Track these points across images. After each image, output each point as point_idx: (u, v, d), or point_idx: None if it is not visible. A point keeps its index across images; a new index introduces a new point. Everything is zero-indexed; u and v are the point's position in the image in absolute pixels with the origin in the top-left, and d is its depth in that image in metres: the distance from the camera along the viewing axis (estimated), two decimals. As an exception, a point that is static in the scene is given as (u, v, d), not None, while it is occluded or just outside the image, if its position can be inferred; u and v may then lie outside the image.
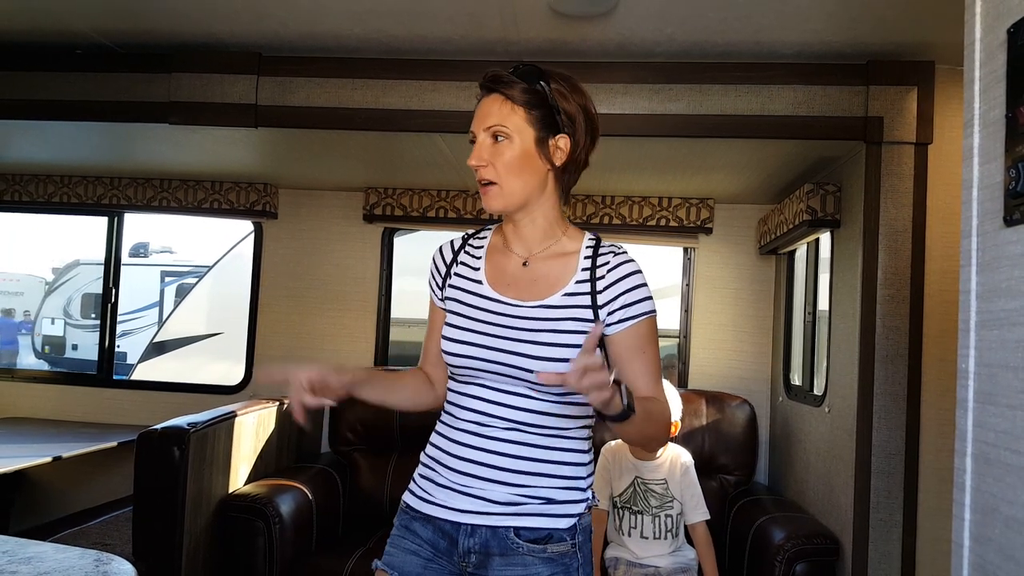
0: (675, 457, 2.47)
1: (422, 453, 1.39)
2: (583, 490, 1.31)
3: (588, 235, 1.38)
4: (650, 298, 1.32)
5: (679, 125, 2.35)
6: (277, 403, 3.02)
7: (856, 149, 2.35)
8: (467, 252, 1.42)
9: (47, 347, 10.72)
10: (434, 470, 1.34)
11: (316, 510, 2.75)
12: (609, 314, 1.29)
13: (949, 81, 2.24)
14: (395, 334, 3.69)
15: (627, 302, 1.29)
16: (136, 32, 2.40)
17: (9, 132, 2.96)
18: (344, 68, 2.44)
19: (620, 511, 2.44)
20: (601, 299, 1.29)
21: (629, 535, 2.43)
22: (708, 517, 2.46)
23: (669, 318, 3.33)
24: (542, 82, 1.29)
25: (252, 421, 2.79)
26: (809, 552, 2.29)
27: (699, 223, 3.25)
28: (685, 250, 3.39)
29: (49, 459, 2.81)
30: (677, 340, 3.42)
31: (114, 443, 3.14)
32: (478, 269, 1.38)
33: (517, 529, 1.27)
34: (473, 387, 1.31)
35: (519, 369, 1.25)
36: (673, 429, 2.49)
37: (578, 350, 1.24)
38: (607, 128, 2.31)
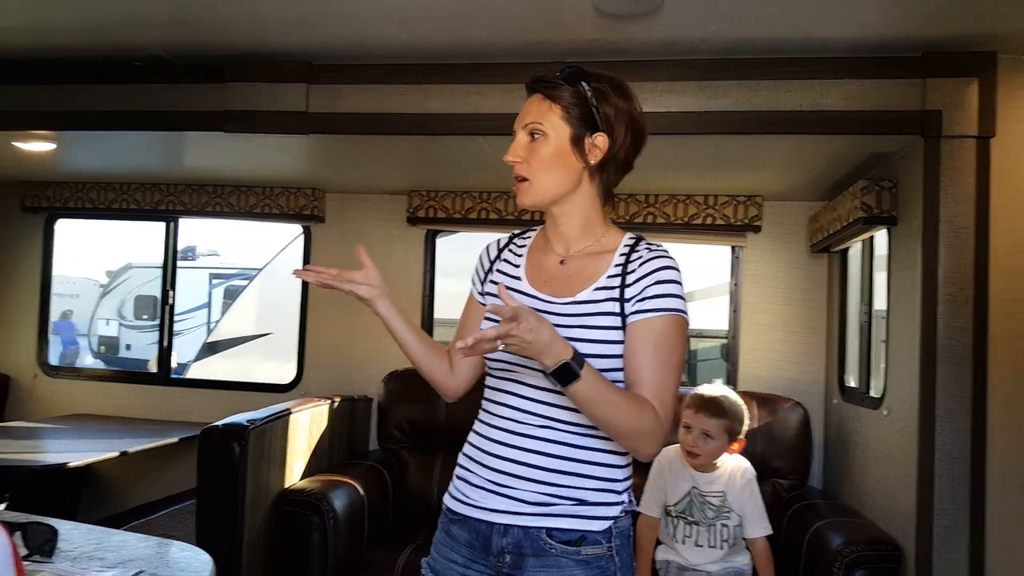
0: (735, 469, 2.39)
1: (460, 454, 1.40)
2: (618, 492, 1.29)
3: (629, 235, 1.37)
4: (678, 297, 1.27)
5: (726, 122, 2.33)
6: (329, 401, 3.09)
7: (913, 144, 2.29)
8: (511, 251, 1.45)
9: (103, 347, 11.10)
10: (469, 470, 1.35)
11: (367, 506, 2.81)
12: (632, 305, 1.26)
13: (1013, 71, 2.17)
14: (438, 334, 3.74)
15: (649, 294, 1.26)
16: (192, 44, 2.48)
17: (74, 142, 3.08)
18: (390, 74, 2.48)
19: (675, 520, 2.39)
20: (628, 292, 1.27)
21: (683, 543, 2.38)
22: (769, 532, 2.36)
23: (717, 318, 3.31)
24: (582, 82, 1.30)
25: (306, 418, 2.86)
26: (869, 559, 2.24)
27: (747, 221, 3.21)
28: (733, 249, 3.36)
29: (116, 454, 2.93)
30: (725, 340, 3.39)
31: (175, 439, 3.26)
32: (518, 267, 1.40)
33: (549, 530, 1.25)
34: (509, 383, 1.31)
35: None
36: (738, 446, 2.40)
37: (609, 346, 1.25)
38: (651, 127, 2.34)
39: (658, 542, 2.46)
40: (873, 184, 2.48)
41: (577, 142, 1.30)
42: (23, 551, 1.10)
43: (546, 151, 1.29)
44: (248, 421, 2.46)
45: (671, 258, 1.31)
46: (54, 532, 1.16)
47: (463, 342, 1.10)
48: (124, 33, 2.40)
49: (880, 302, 2.69)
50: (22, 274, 4.04)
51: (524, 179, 1.31)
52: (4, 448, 3.06)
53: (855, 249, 2.97)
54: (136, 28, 2.36)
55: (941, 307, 2.16)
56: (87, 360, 10.68)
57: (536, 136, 1.30)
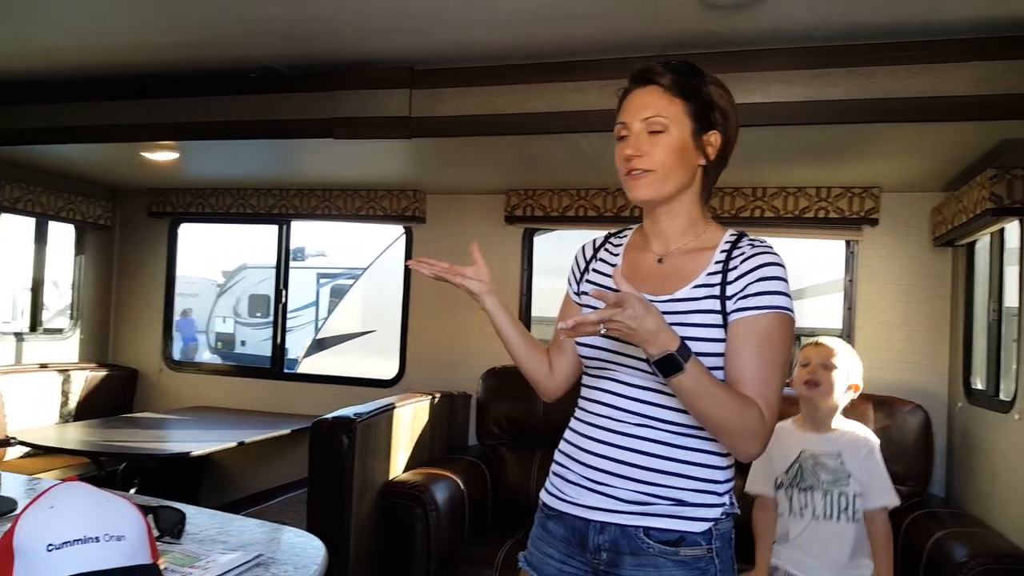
0: (855, 434, 2.29)
1: (556, 450, 1.40)
2: (719, 495, 1.26)
3: (730, 231, 1.33)
4: (783, 295, 1.23)
5: (839, 111, 2.22)
6: (430, 396, 3.16)
7: (1048, 129, 2.11)
8: (607, 250, 1.44)
9: (219, 343, 11.80)
10: (565, 466, 1.34)
11: (467, 500, 2.86)
12: (734, 302, 1.23)
13: None
14: (535, 332, 3.75)
15: (753, 291, 1.22)
16: (303, 55, 2.59)
17: (195, 151, 3.29)
18: (490, 76, 2.51)
19: (788, 491, 2.27)
20: (730, 289, 1.23)
21: (801, 515, 2.24)
22: (896, 503, 2.24)
23: (830, 316, 3.16)
24: (699, 77, 1.29)
25: (408, 413, 2.94)
26: (997, 572, 2.07)
27: (863, 214, 3.05)
28: (847, 243, 3.20)
29: (234, 444, 3.12)
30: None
31: (287, 430, 3.43)
32: (615, 266, 1.38)
33: (647, 529, 1.24)
34: (605, 381, 1.30)
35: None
36: (854, 389, 2.34)
37: (708, 344, 1.22)
38: (760, 118, 2.26)
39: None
40: (1003, 173, 2.30)
41: (696, 137, 1.28)
42: (155, 532, 1.18)
43: (669, 145, 1.27)
44: (355, 415, 2.55)
45: (776, 254, 1.26)
46: (182, 516, 1.25)
47: (564, 323, 1.10)
48: (240, 47, 2.54)
49: (1011, 298, 2.50)
50: (149, 275, 4.35)
51: (645, 172, 1.27)
52: (133, 437, 3.31)
53: (983, 242, 2.77)
54: (251, 42, 2.49)
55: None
56: (205, 355, 11.38)
57: (658, 130, 1.27)
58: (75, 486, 1.01)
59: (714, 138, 1.30)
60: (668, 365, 1.11)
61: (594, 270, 1.42)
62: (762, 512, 2.30)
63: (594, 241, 1.48)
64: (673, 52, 2.25)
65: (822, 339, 2.40)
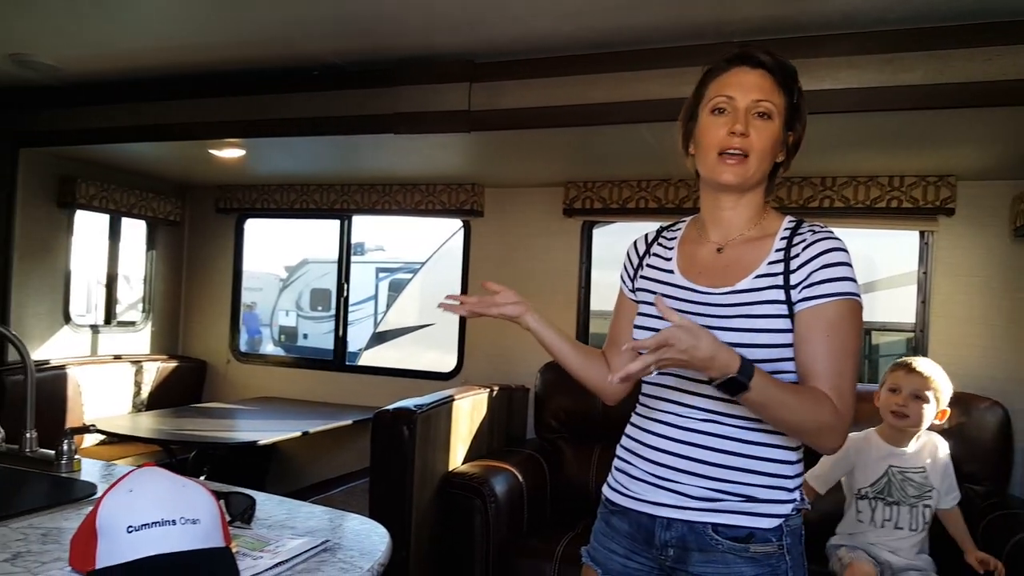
0: (935, 445, 2.30)
1: (618, 446, 1.38)
2: (790, 490, 1.23)
3: (788, 217, 1.30)
4: (849, 280, 1.20)
5: (914, 97, 2.13)
6: (488, 389, 3.17)
7: None
8: (660, 244, 1.41)
9: (283, 336, 12.10)
10: (629, 462, 1.33)
11: (526, 493, 2.86)
12: (799, 291, 1.20)
13: None
14: (595, 326, 3.72)
15: (818, 279, 1.19)
16: (364, 50, 2.62)
17: (262, 149, 3.38)
18: (551, 67, 2.49)
19: (872, 502, 2.27)
20: (794, 278, 1.20)
21: (882, 526, 2.26)
22: (960, 497, 2.33)
23: (903, 310, 3.04)
24: (795, 75, 1.28)
25: (467, 405, 2.96)
26: (1082, 577, 1.98)
27: (938, 203, 2.92)
28: (922, 234, 3.07)
29: (298, 434, 3.19)
30: (912, 334, 3.11)
31: (349, 421, 3.50)
32: (670, 259, 1.36)
33: (715, 526, 1.22)
34: (669, 377, 1.28)
35: None
36: (941, 416, 2.30)
37: (775, 335, 1.19)
38: (830, 105, 2.19)
39: (832, 532, 2.35)
40: (1093, 159, 2.17)
41: (783, 132, 1.27)
42: (227, 517, 1.21)
43: (769, 134, 1.25)
44: (415, 406, 2.58)
45: (838, 239, 1.23)
46: (253, 502, 1.28)
47: (612, 377, 1.09)
48: (303, 45, 2.59)
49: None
50: (217, 270, 4.49)
51: (742, 156, 1.24)
52: (203, 426, 3.42)
53: (1070, 233, 2.62)
54: (314, 39, 2.54)
55: None
56: (268, 348, 11.70)
57: (764, 116, 1.24)
58: (153, 471, 1.05)
59: (791, 138, 1.29)
60: (733, 386, 1.09)
61: (648, 265, 1.40)
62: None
63: (646, 236, 1.46)
64: (741, 39, 2.20)
65: (915, 363, 2.32)
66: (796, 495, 1.24)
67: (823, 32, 2.18)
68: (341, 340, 4.30)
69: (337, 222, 4.25)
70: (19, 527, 1.16)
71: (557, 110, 2.48)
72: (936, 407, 2.27)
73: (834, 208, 3.04)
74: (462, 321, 3.83)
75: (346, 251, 4.28)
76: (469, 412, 2.99)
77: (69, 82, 3.15)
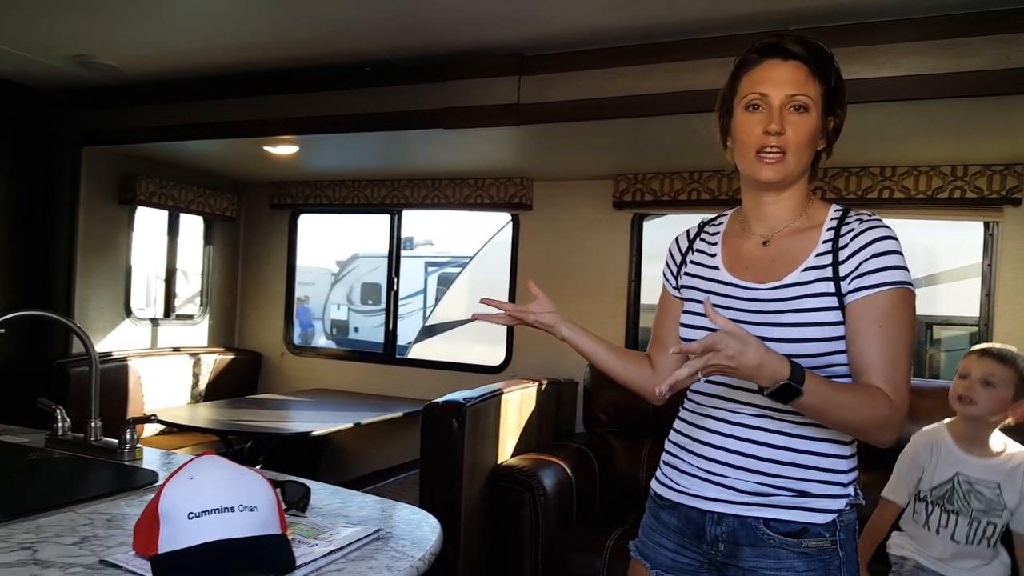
0: (1017, 461, 2.05)
1: (666, 440, 1.37)
2: (844, 485, 1.21)
3: (834, 207, 1.26)
4: (901, 268, 1.16)
5: (978, 83, 2.06)
6: (536, 383, 3.17)
7: None
8: (703, 239, 1.39)
9: (334, 329, 12.32)
10: (679, 457, 1.32)
11: (575, 487, 2.86)
12: (849, 283, 1.17)
13: None
14: (645, 320, 3.68)
15: (868, 269, 1.16)
16: (414, 47, 2.65)
17: (313, 145, 3.44)
18: (600, 59, 2.48)
19: (930, 506, 2.11)
20: (843, 269, 1.17)
21: (937, 532, 2.09)
22: None
23: (966, 304, 2.93)
24: (831, 59, 1.23)
25: (516, 399, 2.97)
26: None
27: (1004, 193, 2.81)
28: (986, 225, 2.96)
29: (350, 425, 3.25)
30: (976, 328, 2.99)
31: (400, 413, 3.55)
32: (714, 255, 1.34)
33: (767, 520, 1.20)
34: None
35: None
36: (1015, 415, 2.04)
37: (826, 328, 1.16)
38: (889, 93, 2.12)
39: (898, 528, 2.19)
40: None
41: (823, 121, 1.24)
42: (283, 505, 1.24)
43: (807, 127, 1.21)
44: (465, 399, 2.60)
45: (886, 227, 1.19)
46: (308, 490, 1.31)
47: (659, 388, 1.07)
48: (354, 42, 2.63)
49: None
50: (272, 265, 4.59)
51: (780, 154, 1.21)
52: (258, 417, 3.51)
53: None
54: (365, 37, 2.57)
55: None
56: (320, 341, 11.93)
57: (800, 110, 1.21)
58: (212, 459, 1.08)
59: (832, 123, 1.25)
60: (786, 393, 1.06)
61: (692, 262, 1.38)
62: (886, 516, 2.14)
63: (688, 231, 1.43)
64: (795, 27, 2.14)
65: (991, 348, 2.09)
66: (850, 490, 1.22)
67: (881, 19, 2.11)
68: (391, 333, 4.36)
69: (387, 217, 4.30)
70: (85, 512, 1.21)
71: (607, 102, 2.46)
72: (1009, 397, 2.01)
73: (894, 199, 2.94)
74: (510, 315, 3.83)
75: (396, 245, 4.33)
76: (518, 405, 2.99)
77: (129, 82, 3.26)
